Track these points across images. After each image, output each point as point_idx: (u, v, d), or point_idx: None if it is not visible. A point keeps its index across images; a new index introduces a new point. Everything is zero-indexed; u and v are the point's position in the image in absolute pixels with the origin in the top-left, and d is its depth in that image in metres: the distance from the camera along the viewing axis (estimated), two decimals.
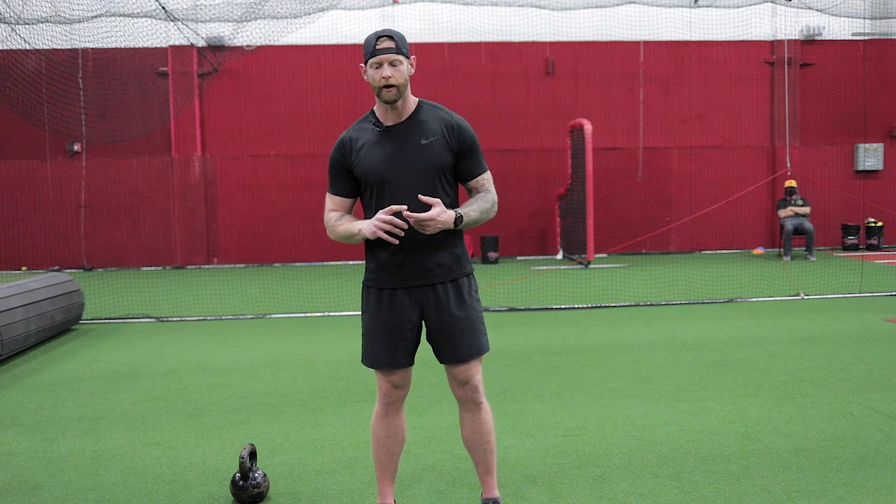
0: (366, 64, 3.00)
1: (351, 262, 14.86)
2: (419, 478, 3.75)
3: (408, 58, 3.02)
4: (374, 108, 3.11)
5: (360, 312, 3.32)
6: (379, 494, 3.30)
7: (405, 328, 3.11)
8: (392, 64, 2.94)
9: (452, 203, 3.10)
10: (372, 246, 3.10)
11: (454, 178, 3.13)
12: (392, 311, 3.09)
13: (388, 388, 3.19)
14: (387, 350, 3.12)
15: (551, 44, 15.04)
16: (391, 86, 2.95)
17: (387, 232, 2.91)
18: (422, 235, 2.98)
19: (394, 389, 3.18)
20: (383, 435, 3.24)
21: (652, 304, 8.97)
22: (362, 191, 3.12)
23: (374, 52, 2.94)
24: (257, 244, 14.87)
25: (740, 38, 15.25)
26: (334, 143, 3.13)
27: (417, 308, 3.11)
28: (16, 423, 4.79)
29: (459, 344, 3.13)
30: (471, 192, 3.16)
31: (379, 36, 2.96)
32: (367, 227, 2.96)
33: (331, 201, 3.16)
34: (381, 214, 2.90)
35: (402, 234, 2.93)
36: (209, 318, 8.71)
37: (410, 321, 3.12)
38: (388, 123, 3.06)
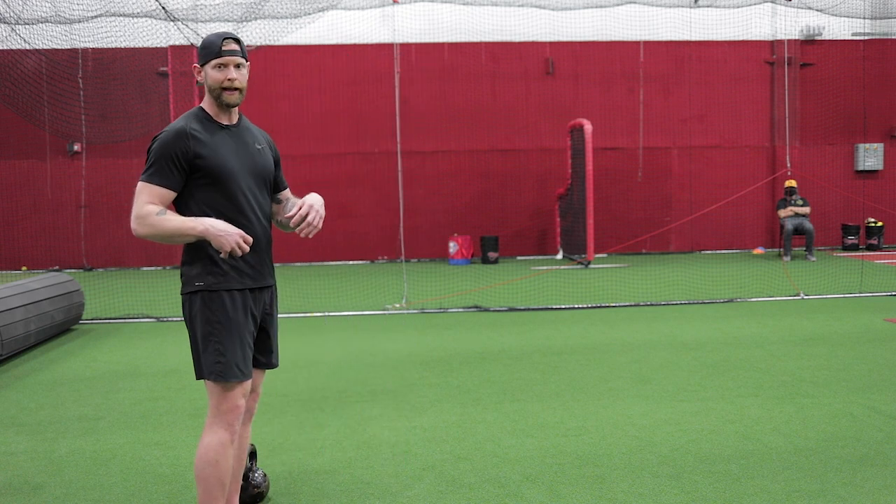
0: (204, 64, 2.93)
1: (351, 262, 14.86)
2: (419, 478, 3.75)
3: (247, 62, 3.01)
4: (204, 106, 3.00)
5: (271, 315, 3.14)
6: None
7: (253, 330, 3.00)
8: (237, 66, 2.93)
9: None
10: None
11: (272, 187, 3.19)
12: (245, 314, 2.95)
13: (241, 402, 2.94)
14: (248, 359, 2.95)
15: (551, 44, 15.05)
16: (235, 88, 2.93)
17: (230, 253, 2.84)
18: (268, 235, 3.05)
19: (243, 403, 2.97)
20: (231, 464, 2.95)
21: (652, 304, 8.97)
22: (199, 186, 2.91)
23: (220, 53, 2.89)
24: None
25: (740, 38, 15.25)
26: (165, 134, 2.87)
27: (260, 309, 3.05)
28: (16, 423, 4.79)
29: (276, 349, 3.21)
30: (280, 203, 3.24)
31: (224, 38, 2.91)
32: (217, 234, 2.79)
33: (150, 194, 2.82)
34: (242, 233, 2.83)
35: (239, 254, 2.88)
36: None
37: (256, 323, 3.03)
38: (224, 123, 3.00)
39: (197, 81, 2.98)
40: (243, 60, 2.96)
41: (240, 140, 3.01)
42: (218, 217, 2.90)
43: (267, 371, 3.23)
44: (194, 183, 2.90)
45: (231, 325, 2.90)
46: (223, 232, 2.81)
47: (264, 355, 3.14)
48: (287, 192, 3.29)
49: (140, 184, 2.86)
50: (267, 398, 5.25)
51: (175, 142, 2.84)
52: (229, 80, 2.91)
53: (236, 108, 3.04)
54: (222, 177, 2.90)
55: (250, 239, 2.86)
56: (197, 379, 2.95)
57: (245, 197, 2.96)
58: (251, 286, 2.97)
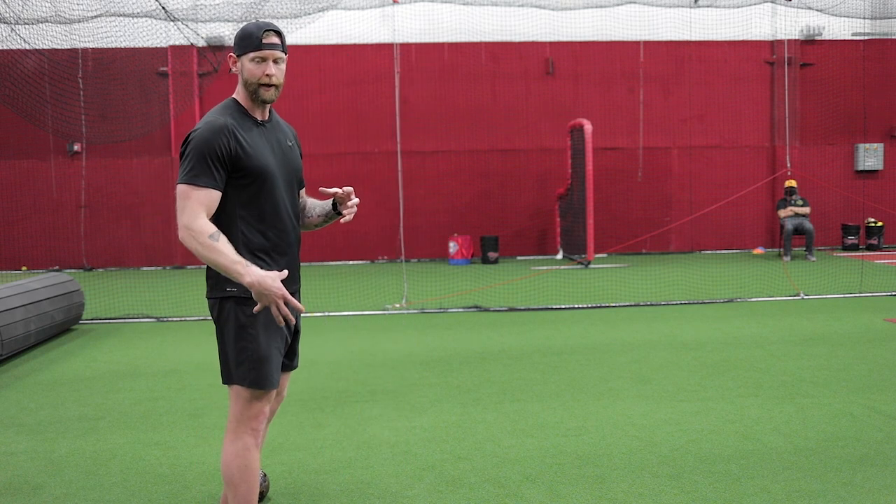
0: (241, 55, 2.77)
1: (351, 262, 14.86)
2: (419, 478, 3.75)
3: (286, 56, 2.86)
4: (237, 98, 2.85)
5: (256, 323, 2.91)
6: None
7: (289, 336, 2.94)
8: (276, 62, 2.78)
9: None
10: (249, 247, 2.78)
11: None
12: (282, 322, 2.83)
13: (266, 409, 2.89)
14: (279, 365, 2.89)
15: (551, 44, 15.05)
16: (272, 84, 2.78)
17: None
18: (298, 236, 2.94)
19: (268, 409, 2.92)
20: (259, 465, 2.91)
21: (652, 304, 8.97)
22: (238, 186, 2.75)
23: (261, 46, 2.73)
24: None
25: (740, 38, 15.25)
26: (204, 129, 2.69)
27: (295, 313, 2.93)
28: (16, 423, 4.79)
29: (298, 351, 3.15)
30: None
31: (265, 29, 2.74)
32: (261, 292, 2.59)
33: (199, 201, 2.64)
34: (283, 293, 2.62)
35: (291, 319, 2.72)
36: (209, 318, 8.69)
37: (292, 328, 2.95)
38: (258, 118, 2.86)
39: (230, 70, 2.85)
40: (283, 55, 2.79)
41: (273, 138, 2.87)
42: (257, 220, 2.78)
43: None
44: (233, 183, 2.73)
45: (266, 333, 2.79)
46: (268, 290, 2.60)
47: (288, 357, 3.07)
48: (303, 192, 3.17)
49: (182, 187, 2.65)
50: None
51: (217, 138, 2.67)
52: (267, 75, 2.75)
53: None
54: (263, 177, 2.76)
55: (295, 303, 2.69)
56: (224, 383, 2.87)
57: (282, 198, 2.83)
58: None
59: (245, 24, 2.82)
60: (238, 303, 2.80)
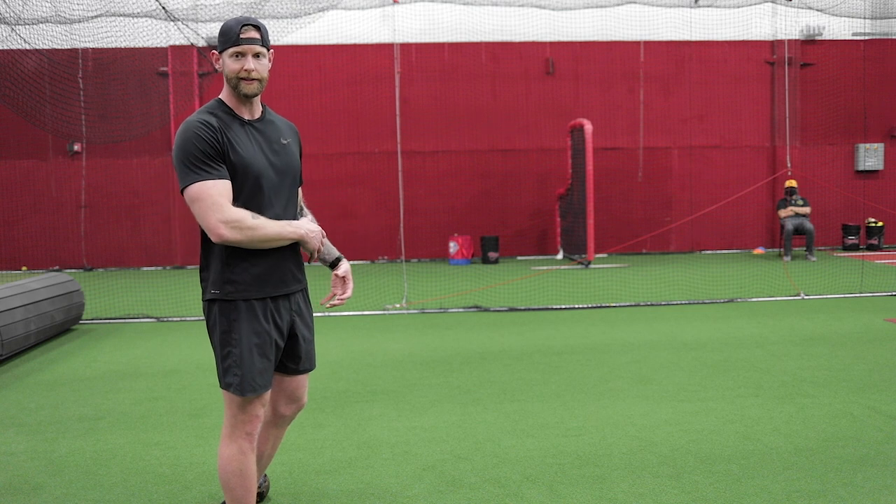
0: (221, 51, 2.73)
1: (351, 262, 14.84)
2: (419, 478, 3.75)
3: (269, 51, 2.80)
4: (223, 98, 2.81)
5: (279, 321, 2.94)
6: None
7: (280, 339, 2.88)
8: (256, 56, 2.73)
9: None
10: (236, 250, 2.74)
11: None
12: (266, 322, 2.80)
13: (260, 413, 2.86)
14: (268, 370, 2.83)
15: (551, 44, 15.05)
16: (253, 79, 2.73)
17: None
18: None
19: (262, 413, 2.88)
20: (255, 468, 2.89)
21: (652, 304, 8.97)
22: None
23: (238, 42, 2.69)
24: None
25: (740, 38, 15.25)
26: (186, 130, 2.66)
27: (289, 316, 2.91)
28: (16, 423, 4.79)
29: (313, 352, 3.09)
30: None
31: (243, 24, 2.69)
32: (312, 237, 2.86)
33: (217, 192, 2.61)
34: (319, 231, 2.91)
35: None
36: None
37: (284, 331, 2.90)
38: (246, 118, 2.81)
39: (215, 69, 2.89)
40: (264, 49, 2.74)
41: (263, 137, 2.81)
42: None
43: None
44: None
45: (249, 337, 2.76)
46: (315, 232, 2.88)
47: (292, 361, 3.01)
48: (300, 192, 3.11)
49: (192, 189, 2.62)
50: None
51: (202, 132, 2.64)
52: (246, 70, 2.70)
53: (259, 100, 2.84)
54: (248, 175, 2.71)
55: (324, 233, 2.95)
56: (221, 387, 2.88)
57: (271, 198, 2.78)
58: (272, 294, 2.82)
59: (226, 20, 2.79)
60: (222, 307, 2.78)
